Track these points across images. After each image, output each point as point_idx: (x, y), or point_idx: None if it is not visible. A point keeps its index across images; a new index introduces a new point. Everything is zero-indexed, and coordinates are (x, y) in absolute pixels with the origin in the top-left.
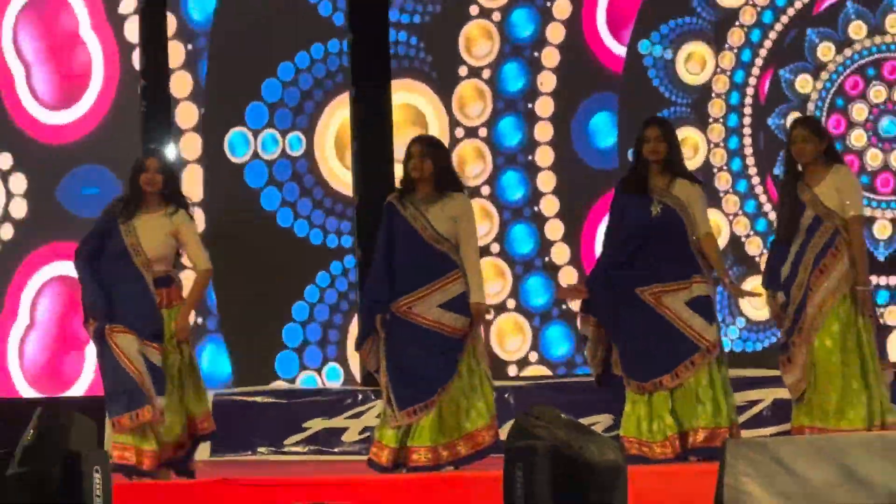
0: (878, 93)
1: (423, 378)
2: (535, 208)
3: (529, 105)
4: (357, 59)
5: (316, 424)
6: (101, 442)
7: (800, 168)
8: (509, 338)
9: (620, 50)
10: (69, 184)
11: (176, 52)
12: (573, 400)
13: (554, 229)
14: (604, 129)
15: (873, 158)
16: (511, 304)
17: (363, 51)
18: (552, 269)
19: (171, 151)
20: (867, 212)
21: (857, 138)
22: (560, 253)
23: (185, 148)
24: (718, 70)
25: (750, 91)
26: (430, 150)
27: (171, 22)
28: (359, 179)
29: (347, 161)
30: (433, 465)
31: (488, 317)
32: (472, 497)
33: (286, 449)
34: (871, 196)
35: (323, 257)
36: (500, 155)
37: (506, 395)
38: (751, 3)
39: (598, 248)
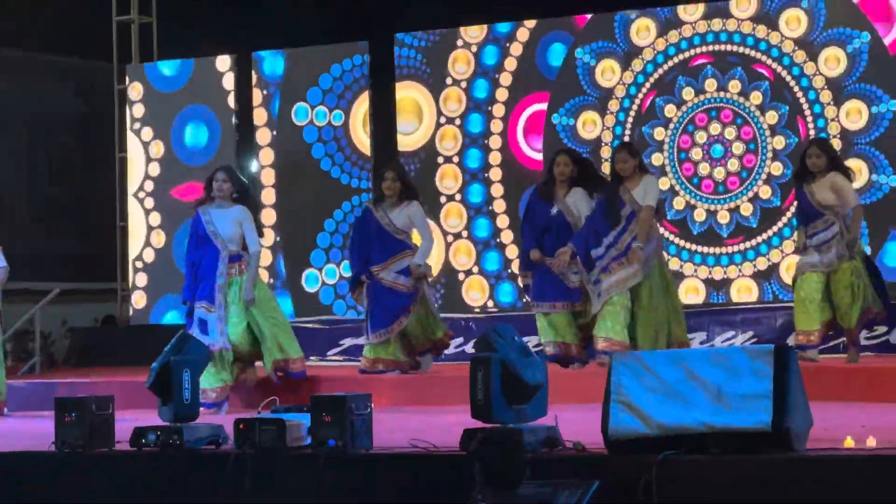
0: (715, 128)
1: (385, 316)
2: (486, 174)
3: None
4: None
5: (347, 342)
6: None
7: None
8: (461, 256)
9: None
10: None
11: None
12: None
13: (496, 189)
14: (557, 52)
15: (716, 173)
16: (465, 234)
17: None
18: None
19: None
20: (712, 207)
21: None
22: (499, 204)
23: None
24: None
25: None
26: (399, 175)
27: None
28: (373, 145)
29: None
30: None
31: (429, 277)
32: (448, 389)
33: (328, 357)
34: (714, 196)
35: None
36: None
37: (470, 324)
38: (621, 82)
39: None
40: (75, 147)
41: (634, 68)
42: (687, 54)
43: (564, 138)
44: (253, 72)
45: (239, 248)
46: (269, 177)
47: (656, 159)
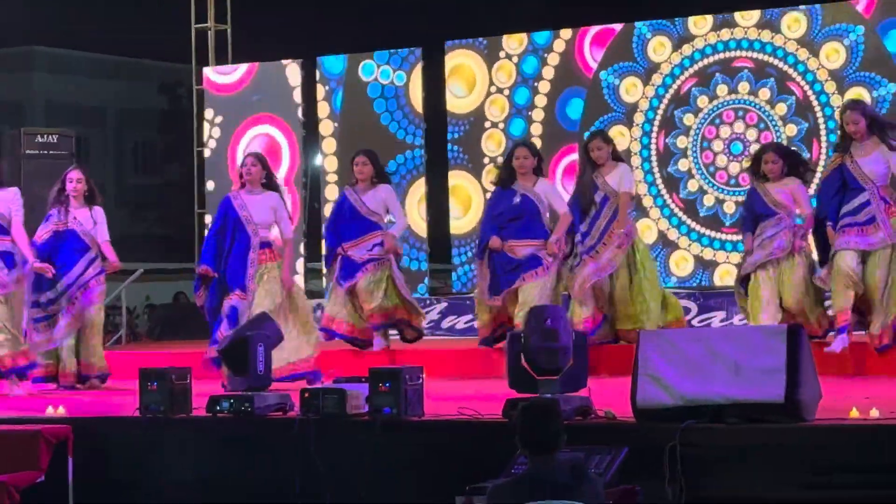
0: (725, 130)
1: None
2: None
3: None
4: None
5: None
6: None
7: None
8: (491, 144)
9: None
10: None
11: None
12: None
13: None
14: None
15: (733, 168)
16: (501, 126)
17: None
18: None
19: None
20: (739, 199)
21: (720, 158)
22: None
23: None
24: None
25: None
26: (370, 159)
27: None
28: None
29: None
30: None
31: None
32: (488, 359)
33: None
34: (734, 188)
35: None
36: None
37: None
38: (650, 84)
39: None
40: (158, 140)
41: (654, 82)
42: (696, 66)
43: None
44: (316, 70)
45: (268, 235)
46: (332, 164)
47: (682, 164)
